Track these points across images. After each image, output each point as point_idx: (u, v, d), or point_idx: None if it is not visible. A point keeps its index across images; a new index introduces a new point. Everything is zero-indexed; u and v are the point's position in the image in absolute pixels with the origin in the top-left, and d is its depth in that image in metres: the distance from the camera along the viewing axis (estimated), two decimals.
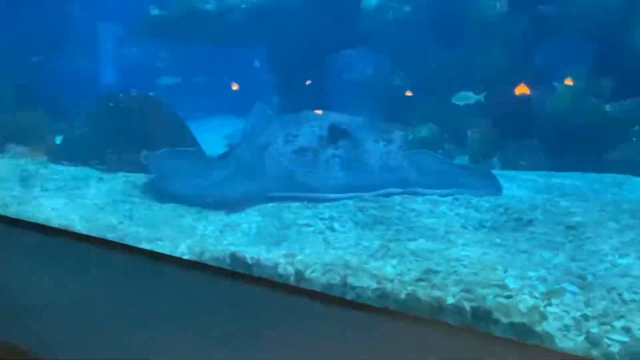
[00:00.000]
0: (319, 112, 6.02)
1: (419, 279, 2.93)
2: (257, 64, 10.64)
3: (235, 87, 9.92)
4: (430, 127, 8.15)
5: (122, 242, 3.79)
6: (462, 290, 2.77)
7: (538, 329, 2.48)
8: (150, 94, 7.33)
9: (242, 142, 6.42)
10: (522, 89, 7.44)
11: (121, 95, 6.58)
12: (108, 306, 1.84)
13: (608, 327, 2.45)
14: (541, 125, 7.46)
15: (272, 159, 5.34)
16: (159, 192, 5.13)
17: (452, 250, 3.46)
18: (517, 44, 7.86)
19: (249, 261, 3.29)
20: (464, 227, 4.10)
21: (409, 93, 8.69)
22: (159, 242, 3.73)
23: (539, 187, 5.55)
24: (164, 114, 6.49)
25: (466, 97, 7.37)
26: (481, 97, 7.18)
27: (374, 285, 2.90)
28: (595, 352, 2.32)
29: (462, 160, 7.46)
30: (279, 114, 7.76)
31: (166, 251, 3.59)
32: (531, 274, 2.98)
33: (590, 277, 2.89)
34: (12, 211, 4.42)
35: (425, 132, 8.09)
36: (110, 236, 3.89)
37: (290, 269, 3.15)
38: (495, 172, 5.88)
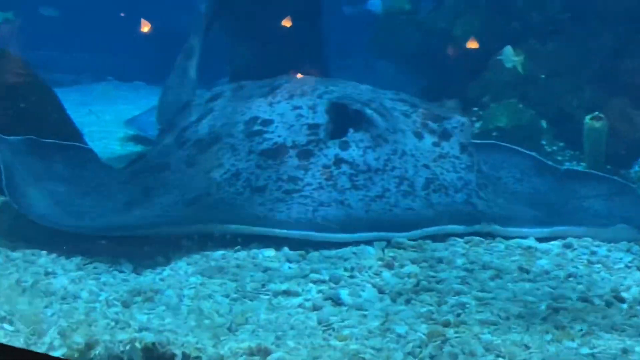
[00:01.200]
0: (309, 78, 6.07)
1: None
2: None
3: (145, 26, 9.73)
4: (514, 108, 8.22)
5: None
6: None
7: None
8: None
9: (164, 134, 6.43)
10: None
11: None
12: None
13: None
14: None
15: (221, 167, 5.35)
16: (8, 225, 5.15)
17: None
18: None
19: None
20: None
21: (472, 43, 8.74)
22: (7, 327, 3.70)
23: None
24: (19, 78, 6.48)
25: (509, 58, 7.63)
26: (518, 63, 7.34)
27: None
28: None
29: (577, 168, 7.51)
30: (234, 83, 7.74)
31: (19, 343, 3.54)
32: None
33: None
34: None
35: (507, 119, 8.15)
36: None
37: None
38: None
